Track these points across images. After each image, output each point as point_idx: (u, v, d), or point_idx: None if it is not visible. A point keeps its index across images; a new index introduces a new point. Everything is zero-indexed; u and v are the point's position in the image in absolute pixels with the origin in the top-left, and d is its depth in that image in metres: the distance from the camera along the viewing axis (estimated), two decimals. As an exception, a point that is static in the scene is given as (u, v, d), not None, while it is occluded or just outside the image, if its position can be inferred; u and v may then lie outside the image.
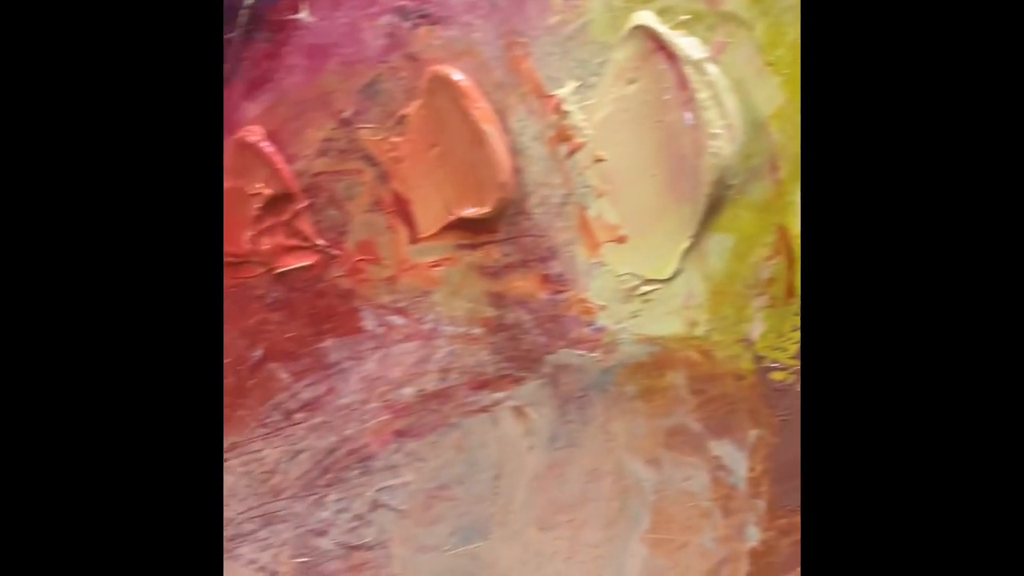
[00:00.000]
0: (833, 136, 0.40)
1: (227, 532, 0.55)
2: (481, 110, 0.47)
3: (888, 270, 0.40)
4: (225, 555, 0.55)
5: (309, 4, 0.49)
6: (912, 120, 0.39)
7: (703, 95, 0.46)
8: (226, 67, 0.51)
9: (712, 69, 0.46)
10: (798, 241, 0.51)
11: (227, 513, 0.54)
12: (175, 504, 0.42)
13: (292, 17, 0.50)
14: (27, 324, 0.41)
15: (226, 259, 0.53)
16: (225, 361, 0.55)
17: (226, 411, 0.55)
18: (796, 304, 0.51)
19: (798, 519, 0.54)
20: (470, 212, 0.49)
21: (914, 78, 0.39)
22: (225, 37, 0.50)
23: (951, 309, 0.39)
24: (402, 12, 0.48)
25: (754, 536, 0.52)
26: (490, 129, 0.47)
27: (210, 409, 0.43)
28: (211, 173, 0.44)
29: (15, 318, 0.41)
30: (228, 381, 0.55)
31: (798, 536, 0.54)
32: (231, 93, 0.51)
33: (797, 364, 0.52)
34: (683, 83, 0.46)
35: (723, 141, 0.47)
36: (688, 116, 0.48)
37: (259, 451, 0.54)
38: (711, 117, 0.46)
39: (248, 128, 0.50)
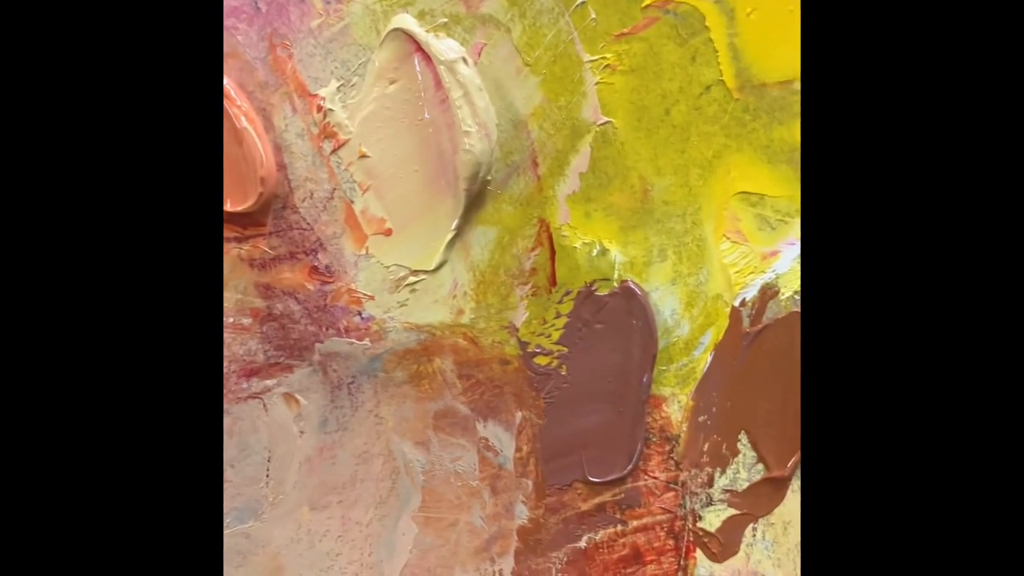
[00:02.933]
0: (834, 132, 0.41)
1: None
2: (241, 109, 0.48)
3: (880, 268, 0.41)
4: None
5: None
6: (910, 119, 0.40)
7: (456, 94, 0.47)
8: None
9: (464, 70, 0.48)
10: (559, 233, 0.51)
11: None
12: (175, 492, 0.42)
13: None
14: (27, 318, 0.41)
15: None
16: None
17: None
18: (558, 293, 0.52)
19: (572, 497, 0.55)
20: (234, 206, 0.49)
21: (913, 78, 0.40)
22: None
23: (948, 305, 0.40)
24: None
25: (523, 514, 0.54)
26: (249, 128, 0.48)
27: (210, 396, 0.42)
28: (211, 172, 0.42)
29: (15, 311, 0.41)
30: None
31: (567, 514, 0.55)
32: None
33: (560, 349, 0.52)
34: (438, 83, 0.47)
35: (475, 138, 0.48)
36: (426, 114, 0.48)
37: None
38: (464, 115, 0.48)
39: None
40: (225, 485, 0.54)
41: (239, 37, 0.48)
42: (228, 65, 0.49)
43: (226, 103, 0.48)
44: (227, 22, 0.49)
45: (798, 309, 0.51)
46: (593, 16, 0.49)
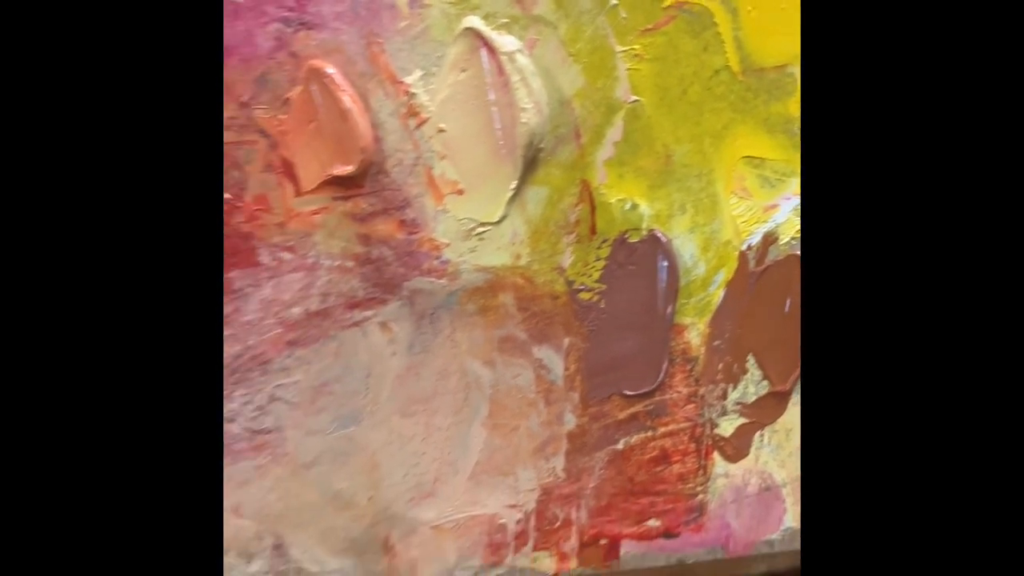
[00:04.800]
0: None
1: None
2: (346, 93, 0.53)
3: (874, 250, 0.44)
4: None
5: None
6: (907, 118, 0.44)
7: (514, 79, 0.53)
8: None
9: (521, 59, 0.53)
10: (597, 191, 0.57)
11: None
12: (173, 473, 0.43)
13: None
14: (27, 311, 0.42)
15: None
16: None
17: None
18: (597, 240, 0.58)
19: (611, 407, 0.60)
20: (340, 171, 0.54)
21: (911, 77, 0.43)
22: None
23: (944, 296, 0.43)
24: (286, 20, 0.53)
25: (570, 421, 0.59)
26: (353, 108, 0.53)
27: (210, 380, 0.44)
28: (211, 169, 0.45)
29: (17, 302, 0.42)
30: None
31: (606, 421, 0.60)
32: None
33: (599, 286, 0.59)
34: (500, 70, 0.53)
35: (530, 114, 0.54)
36: (490, 95, 0.54)
37: None
38: (521, 96, 0.54)
39: None
40: (331, 398, 0.57)
41: (343, 36, 0.53)
42: (334, 59, 0.53)
43: (333, 88, 0.52)
44: (333, 24, 0.53)
45: (794, 252, 0.57)
46: (624, 15, 0.55)
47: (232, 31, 0.52)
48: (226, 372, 0.57)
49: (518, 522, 0.61)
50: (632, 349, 0.60)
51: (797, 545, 0.60)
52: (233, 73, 0.53)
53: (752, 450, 0.61)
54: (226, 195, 0.55)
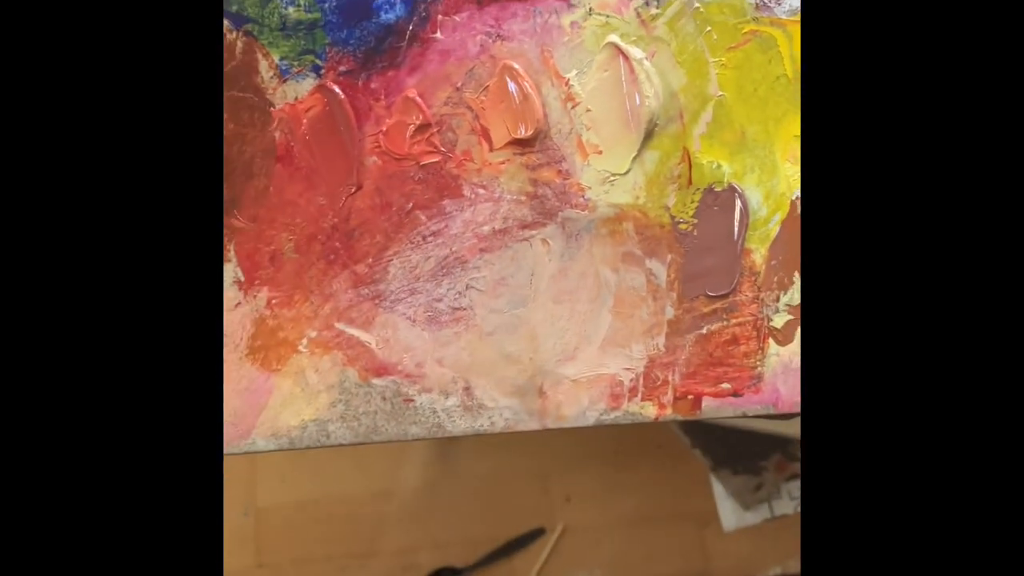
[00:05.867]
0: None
1: (388, 298, 0.63)
2: (527, 83, 0.62)
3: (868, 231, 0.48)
4: (385, 311, 0.64)
5: (440, 29, 0.62)
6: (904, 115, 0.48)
7: (642, 77, 0.61)
8: (397, 59, 0.62)
9: (646, 63, 0.61)
10: (694, 155, 0.63)
11: (390, 287, 0.63)
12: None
13: (432, 36, 0.62)
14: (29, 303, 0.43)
15: (393, 156, 0.62)
16: (396, 209, 0.63)
17: (394, 236, 0.63)
18: (693, 189, 0.63)
19: (698, 304, 0.64)
20: (520, 135, 0.62)
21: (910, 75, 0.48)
22: (397, 45, 0.61)
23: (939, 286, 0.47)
24: (487, 33, 0.61)
25: (670, 312, 0.65)
26: (531, 93, 0.62)
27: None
28: (210, 165, 0.48)
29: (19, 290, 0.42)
30: (392, 222, 0.63)
31: (695, 313, 0.65)
32: (398, 73, 0.62)
33: (693, 220, 0.64)
34: (632, 71, 0.61)
35: (651, 100, 0.62)
36: (624, 87, 0.61)
37: (409, 256, 0.64)
38: (645, 89, 0.61)
39: (409, 90, 0.62)
40: (506, 288, 0.63)
41: (525, 45, 0.61)
42: (519, 60, 0.61)
43: (518, 79, 0.61)
44: (519, 38, 0.61)
45: None
46: (715, 37, 0.62)
47: (451, 39, 0.61)
48: (438, 268, 0.63)
49: (631, 380, 0.65)
50: (714, 264, 0.64)
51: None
52: (450, 67, 0.62)
53: (795, 337, 0.64)
54: (442, 149, 0.62)
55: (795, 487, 1.51)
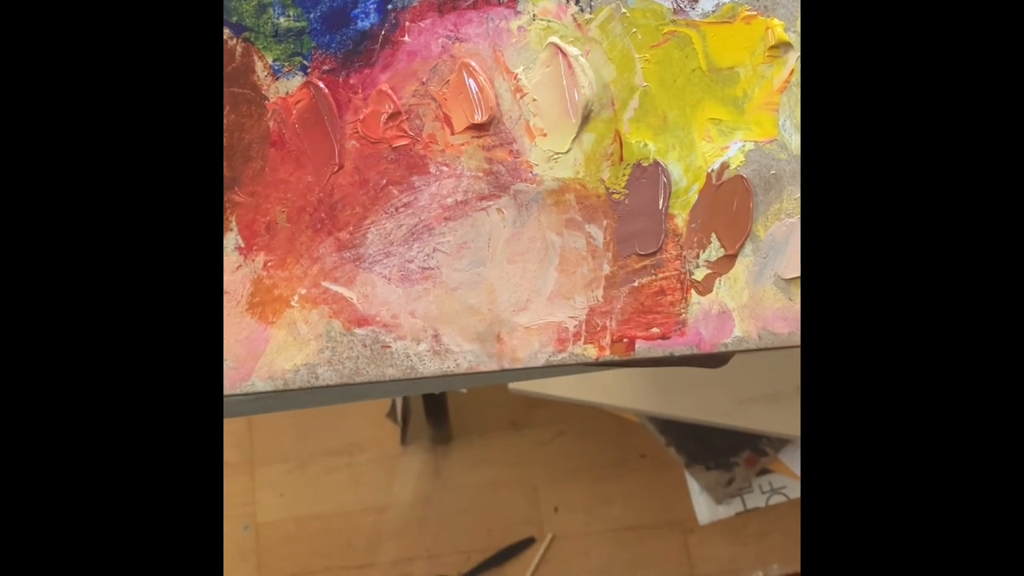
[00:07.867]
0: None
1: (368, 259, 0.68)
2: (482, 77, 0.67)
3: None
4: (364, 271, 0.68)
5: (408, 33, 0.67)
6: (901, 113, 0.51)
7: (578, 71, 0.66)
8: (371, 59, 0.66)
9: (582, 60, 0.67)
10: (625, 135, 0.68)
11: (368, 251, 0.67)
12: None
13: (402, 39, 0.67)
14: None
15: (369, 140, 0.67)
16: (370, 186, 0.66)
17: (371, 208, 0.67)
18: (624, 165, 0.69)
19: (630, 261, 0.69)
20: (477, 120, 0.67)
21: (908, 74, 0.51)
22: (372, 47, 0.65)
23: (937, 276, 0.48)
24: (448, 36, 0.66)
25: (607, 268, 0.70)
26: (486, 86, 0.67)
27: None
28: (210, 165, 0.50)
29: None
30: (369, 196, 0.66)
31: (628, 269, 0.69)
32: (373, 71, 0.66)
33: (625, 191, 0.69)
34: (570, 67, 0.66)
35: (587, 91, 0.67)
36: (564, 80, 0.66)
37: (384, 224, 0.68)
38: (582, 81, 0.67)
39: (382, 84, 0.67)
40: (467, 250, 0.68)
41: (480, 46, 0.67)
42: (475, 58, 0.66)
43: (474, 74, 0.66)
44: (475, 40, 0.66)
45: (739, 174, 0.69)
46: (640, 37, 0.67)
47: (417, 42, 0.67)
48: (409, 234, 0.67)
49: (575, 327, 0.70)
50: (643, 228, 0.70)
51: (741, 347, 0.69)
52: (417, 65, 0.67)
53: (715, 289, 0.71)
54: (411, 133, 0.66)
55: (765, 481, 1.59)
